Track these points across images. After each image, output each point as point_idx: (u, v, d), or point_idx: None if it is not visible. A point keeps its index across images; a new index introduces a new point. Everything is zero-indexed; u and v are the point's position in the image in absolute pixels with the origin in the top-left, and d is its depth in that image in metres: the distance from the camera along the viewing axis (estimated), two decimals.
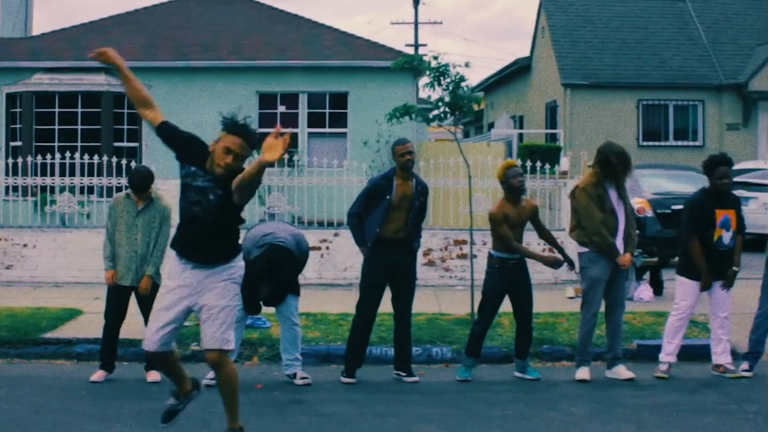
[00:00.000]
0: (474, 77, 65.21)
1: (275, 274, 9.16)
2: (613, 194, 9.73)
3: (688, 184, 18.97)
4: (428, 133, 35.09)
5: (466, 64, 12.07)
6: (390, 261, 9.60)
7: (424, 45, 52.12)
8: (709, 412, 8.41)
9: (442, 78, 11.94)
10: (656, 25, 31.08)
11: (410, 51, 47.31)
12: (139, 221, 9.72)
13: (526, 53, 34.71)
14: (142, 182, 9.77)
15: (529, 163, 16.23)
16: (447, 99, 12.10)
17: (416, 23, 49.58)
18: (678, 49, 30.23)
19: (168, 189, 15.47)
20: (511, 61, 35.68)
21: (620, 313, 9.91)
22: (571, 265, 9.94)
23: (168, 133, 6.76)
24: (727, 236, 9.76)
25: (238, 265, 6.81)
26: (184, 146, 6.73)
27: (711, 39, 30.46)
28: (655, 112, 29.27)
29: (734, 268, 9.77)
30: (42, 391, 9.32)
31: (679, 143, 28.76)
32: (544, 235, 10.12)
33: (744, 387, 9.41)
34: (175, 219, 7.60)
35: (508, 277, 9.76)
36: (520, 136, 30.44)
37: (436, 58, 11.91)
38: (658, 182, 19.18)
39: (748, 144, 28.63)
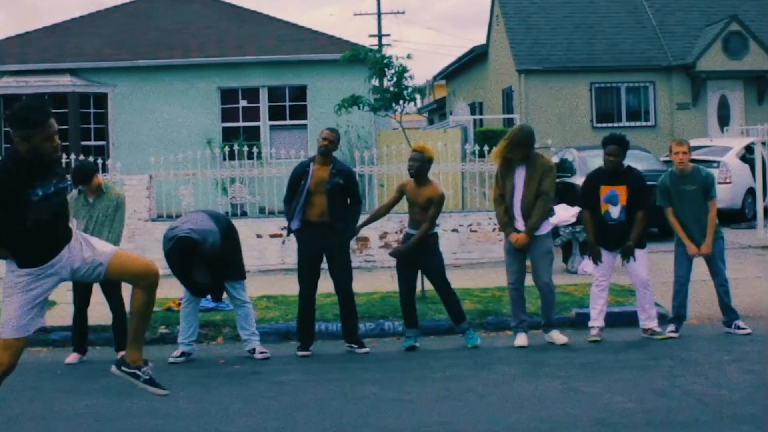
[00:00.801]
0: (438, 65, 65.94)
1: (190, 262, 9.82)
2: (520, 172, 10.50)
3: (636, 163, 19.87)
4: (391, 123, 35.77)
5: (408, 56, 12.89)
6: (318, 243, 10.42)
7: (388, 35, 53.27)
8: (630, 367, 9.24)
9: (386, 69, 12.73)
10: (607, 10, 31.94)
11: (374, 41, 48.22)
12: (94, 213, 10.41)
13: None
14: (79, 175, 10.42)
15: (485, 148, 17.05)
16: (392, 89, 12.89)
17: (379, 14, 50.48)
18: (628, 33, 31.09)
19: (134, 184, 16.26)
20: (469, 49, 36.44)
21: (546, 294, 10.61)
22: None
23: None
24: (614, 210, 10.58)
25: None
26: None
27: (660, 21, 31.32)
28: (608, 94, 30.11)
29: (629, 242, 10.57)
30: (19, 373, 9.93)
31: (632, 124, 29.59)
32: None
33: (667, 346, 10.26)
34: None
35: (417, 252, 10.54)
36: (481, 121, 31.26)
37: (379, 51, 12.69)
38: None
39: (698, 122, 29.53)
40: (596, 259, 10.73)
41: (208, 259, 9.87)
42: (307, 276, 10.55)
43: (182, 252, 9.67)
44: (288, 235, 10.78)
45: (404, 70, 12.77)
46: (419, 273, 11.12)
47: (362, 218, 11.02)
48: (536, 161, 10.51)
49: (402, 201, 10.93)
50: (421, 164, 10.56)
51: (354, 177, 10.82)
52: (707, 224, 10.67)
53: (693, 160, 19.81)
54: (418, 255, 10.54)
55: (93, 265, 6.30)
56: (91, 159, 16.87)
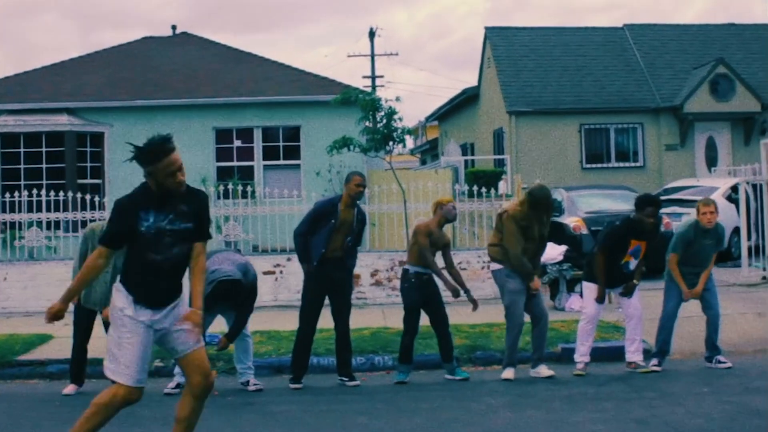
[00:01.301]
0: (432, 106, 66.49)
1: (232, 303, 10.23)
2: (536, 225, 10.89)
3: (622, 202, 20.26)
4: (383, 163, 36.17)
5: (397, 98, 13.27)
6: (329, 277, 10.75)
7: (381, 77, 53.66)
8: (613, 399, 9.55)
9: (375, 111, 13.12)
10: (596, 53, 32.44)
11: (367, 82, 48.68)
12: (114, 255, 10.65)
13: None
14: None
15: (475, 188, 17.43)
16: (382, 130, 13.27)
17: (372, 55, 50.87)
18: (617, 75, 31.57)
19: None
20: (461, 90, 36.88)
21: (544, 324, 11.02)
22: (468, 296, 11.07)
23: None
24: (633, 263, 11.09)
25: None
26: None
27: (648, 64, 31.81)
28: (597, 135, 30.52)
29: (634, 281, 11.03)
30: (18, 404, 10.31)
31: (621, 164, 30.00)
32: (451, 268, 11.21)
33: (650, 379, 10.57)
34: None
35: (422, 290, 10.91)
36: (472, 162, 31.63)
37: (369, 93, 13.07)
38: (593, 201, 20.40)
39: (686, 163, 29.93)
40: (602, 299, 11.09)
41: (245, 294, 10.25)
42: (313, 311, 10.86)
43: (227, 293, 10.03)
44: (308, 267, 10.86)
45: (393, 112, 13.18)
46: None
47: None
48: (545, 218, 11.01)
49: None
50: (456, 212, 11.25)
51: (366, 221, 11.28)
52: (699, 275, 11.21)
53: (681, 200, 20.17)
54: (429, 296, 10.95)
55: (180, 342, 6.48)
56: (87, 196, 17.24)
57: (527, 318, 11.05)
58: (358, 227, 10.93)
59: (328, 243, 10.72)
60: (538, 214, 10.81)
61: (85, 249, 10.73)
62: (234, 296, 10.24)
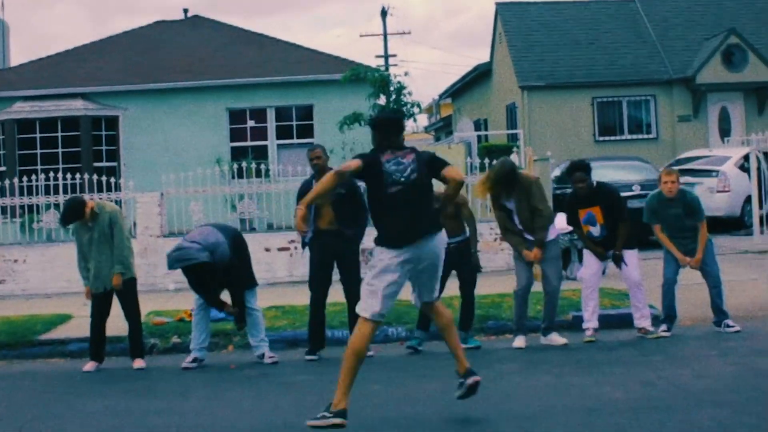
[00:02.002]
0: (445, 84, 66.46)
1: (207, 282, 10.56)
2: (509, 201, 10.97)
3: (634, 173, 20.37)
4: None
5: (406, 74, 13.50)
6: (330, 250, 10.95)
7: (394, 56, 53.60)
8: (621, 363, 9.71)
9: (385, 87, 13.29)
10: (607, 26, 32.45)
11: (381, 62, 48.73)
12: (95, 234, 10.90)
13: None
14: (71, 215, 10.92)
15: (486, 161, 17.60)
16: (392, 105, 13.42)
17: (385, 35, 50.89)
18: (629, 47, 31.59)
19: (146, 201, 16.75)
20: (473, 67, 36.95)
21: (552, 296, 11.13)
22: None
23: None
24: (594, 230, 11.21)
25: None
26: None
27: (660, 35, 31.81)
28: (610, 108, 30.60)
29: (615, 251, 11.13)
30: (41, 381, 10.57)
31: (634, 137, 30.05)
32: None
33: (659, 344, 10.72)
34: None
35: (449, 257, 11.02)
36: (485, 137, 31.71)
37: (377, 70, 13.22)
38: (605, 173, 20.38)
39: (699, 134, 29.95)
40: (600, 256, 11.25)
41: (220, 271, 10.42)
42: (319, 282, 11.05)
43: (192, 271, 10.38)
44: (303, 248, 11.21)
45: (402, 87, 13.34)
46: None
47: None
48: (519, 186, 10.90)
49: None
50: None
51: (355, 185, 11.33)
52: (691, 241, 11.27)
53: (693, 170, 20.22)
54: (457, 259, 11.04)
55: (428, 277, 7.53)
56: (103, 179, 17.46)
57: (538, 287, 11.20)
58: (341, 195, 10.76)
59: (317, 217, 10.93)
60: (503, 189, 10.88)
61: (78, 242, 11.06)
62: (210, 274, 10.47)
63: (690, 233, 11.29)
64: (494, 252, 16.69)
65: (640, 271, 11.24)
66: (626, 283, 11.34)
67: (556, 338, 11.07)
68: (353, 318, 11.12)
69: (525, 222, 10.90)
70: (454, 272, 11.12)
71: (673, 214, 11.26)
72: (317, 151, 11.17)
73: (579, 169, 11.15)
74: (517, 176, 10.93)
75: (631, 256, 11.16)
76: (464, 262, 11.18)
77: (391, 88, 13.34)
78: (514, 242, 11.02)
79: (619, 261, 11.17)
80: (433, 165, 7.55)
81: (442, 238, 7.59)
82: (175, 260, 10.34)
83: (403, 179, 7.34)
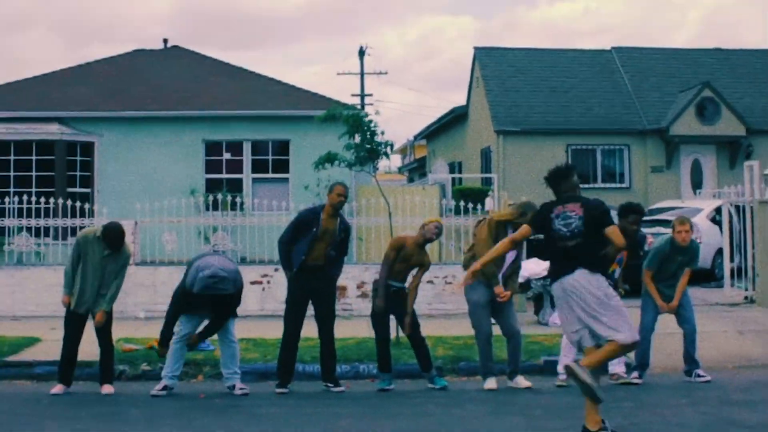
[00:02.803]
0: (420, 126, 66.87)
1: (219, 309, 10.55)
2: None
3: None
4: (371, 179, 36.39)
5: (377, 113, 13.48)
6: (310, 285, 10.95)
7: (370, 95, 53.85)
8: None
9: (359, 127, 13.39)
10: (584, 74, 32.76)
11: (356, 100, 48.90)
12: (108, 265, 10.83)
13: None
14: (115, 241, 10.81)
15: (462, 204, 17.66)
16: (365, 145, 13.54)
17: (362, 74, 51.10)
18: (604, 97, 31.88)
19: None
20: (449, 109, 37.13)
21: (516, 341, 11.10)
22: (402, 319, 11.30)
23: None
24: (617, 271, 11.23)
25: None
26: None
27: (635, 86, 32.14)
28: (584, 156, 30.77)
29: (619, 289, 11.15)
30: (6, 403, 10.44)
31: (607, 185, 30.23)
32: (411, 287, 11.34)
33: (630, 390, 10.76)
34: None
35: (387, 300, 11.06)
36: (459, 180, 31.84)
37: (351, 109, 13.30)
38: None
39: (671, 185, 30.19)
40: None
41: (229, 298, 10.50)
42: (295, 317, 11.04)
43: (216, 300, 10.38)
44: (290, 274, 11.08)
45: (374, 126, 13.48)
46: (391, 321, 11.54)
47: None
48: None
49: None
50: (440, 232, 11.32)
51: (350, 232, 11.47)
52: (672, 290, 11.44)
53: (665, 221, 20.38)
54: (393, 307, 11.13)
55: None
56: (77, 204, 17.36)
57: (498, 331, 11.22)
58: (341, 237, 11.12)
59: (309, 251, 10.93)
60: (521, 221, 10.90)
61: (77, 254, 10.89)
62: (220, 304, 10.47)
63: (674, 281, 11.46)
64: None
65: None
66: None
67: (522, 381, 11.07)
68: (326, 351, 11.14)
69: (512, 270, 11.13)
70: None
71: (680, 262, 11.44)
72: (343, 189, 11.15)
73: (635, 212, 11.18)
74: None
75: None
76: (400, 309, 11.19)
77: (365, 128, 13.45)
78: (493, 271, 11.00)
79: None
80: (600, 221, 8.31)
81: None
82: (209, 287, 10.27)
83: (568, 235, 8.26)
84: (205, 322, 10.94)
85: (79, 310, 10.85)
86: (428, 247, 11.68)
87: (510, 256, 10.99)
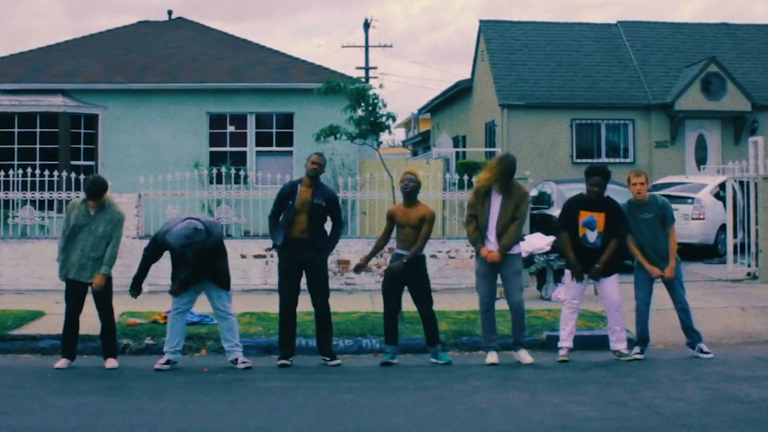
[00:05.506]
0: (425, 99, 66.70)
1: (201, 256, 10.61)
2: (497, 198, 11.03)
3: (611, 195, 20.42)
4: (374, 153, 36.34)
5: (380, 86, 13.48)
6: (299, 257, 11.03)
7: (375, 68, 53.68)
8: (595, 383, 9.75)
9: (362, 100, 13.37)
10: (589, 49, 32.62)
11: (361, 73, 48.83)
12: (93, 225, 10.83)
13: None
14: (94, 189, 10.86)
15: (465, 178, 17.67)
16: (368, 118, 13.55)
17: (367, 46, 51.05)
18: (609, 71, 31.75)
19: (123, 202, 16.66)
20: (454, 83, 37.03)
21: (516, 312, 11.09)
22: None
23: None
24: (591, 235, 11.15)
25: None
26: None
27: (641, 61, 32.01)
28: (588, 130, 30.69)
29: (597, 265, 11.12)
30: (11, 376, 10.49)
31: (611, 160, 30.11)
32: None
33: (632, 366, 10.80)
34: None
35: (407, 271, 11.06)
36: (463, 154, 31.79)
37: (353, 82, 13.29)
38: None
39: (675, 160, 30.12)
40: (578, 276, 11.22)
41: (205, 252, 10.54)
42: (288, 288, 11.11)
43: (192, 243, 10.33)
44: (273, 248, 11.29)
45: (376, 99, 13.46)
46: (403, 293, 11.51)
47: (366, 252, 11.54)
48: (513, 188, 11.03)
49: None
50: (415, 185, 11.18)
51: (336, 201, 11.42)
52: (666, 249, 11.28)
53: (669, 196, 20.41)
54: (408, 275, 11.04)
55: None
56: (81, 177, 17.36)
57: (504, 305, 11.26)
58: (323, 206, 11.06)
59: (291, 224, 11.00)
60: (500, 177, 10.91)
61: (66, 222, 10.92)
62: (200, 249, 10.49)
63: (658, 244, 11.30)
64: (469, 269, 16.67)
65: (619, 294, 11.28)
66: (605, 304, 11.37)
67: (525, 356, 11.09)
68: (321, 324, 11.17)
69: (501, 228, 10.94)
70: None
71: (645, 220, 11.27)
72: (318, 158, 11.26)
73: (598, 173, 11.21)
74: (515, 173, 11.09)
75: (612, 280, 11.23)
76: (415, 277, 11.15)
77: (367, 101, 13.44)
78: (476, 236, 11.04)
79: (597, 275, 11.16)
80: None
81: None
82: (183, 238, 10.29)
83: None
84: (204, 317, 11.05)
85: (69, 275, 10.85)
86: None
87: (494, 212, 10.96)
